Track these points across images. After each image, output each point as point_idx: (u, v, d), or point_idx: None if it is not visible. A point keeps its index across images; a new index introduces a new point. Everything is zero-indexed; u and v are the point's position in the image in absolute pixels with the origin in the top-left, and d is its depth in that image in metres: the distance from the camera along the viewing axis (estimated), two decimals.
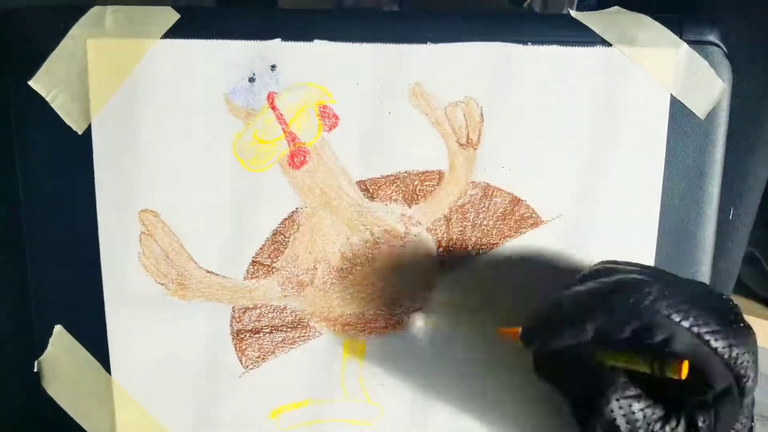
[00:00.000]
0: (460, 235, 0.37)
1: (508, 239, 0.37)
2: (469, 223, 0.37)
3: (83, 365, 0.37)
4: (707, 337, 0.24)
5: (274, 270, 0.37)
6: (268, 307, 0.37)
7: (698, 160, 0.36)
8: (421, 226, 0.37)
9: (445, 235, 0.37)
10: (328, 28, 0.34)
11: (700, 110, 0.35)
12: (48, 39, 0.34)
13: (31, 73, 0.34)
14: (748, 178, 0.37)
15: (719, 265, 0.39)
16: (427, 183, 0.36)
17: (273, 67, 0.34)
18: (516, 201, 0.36)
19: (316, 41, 0.34)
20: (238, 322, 0.37)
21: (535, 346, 0.29)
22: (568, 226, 0.37)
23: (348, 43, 0.34)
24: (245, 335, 0.37)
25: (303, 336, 0.38)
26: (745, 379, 0.25)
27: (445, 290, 0.37)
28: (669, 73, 0.35)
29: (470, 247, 0.37)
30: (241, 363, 0.38)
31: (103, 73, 0.34)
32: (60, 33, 0.34)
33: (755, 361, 0.25)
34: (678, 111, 0.35)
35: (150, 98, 0.35)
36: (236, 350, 0.38)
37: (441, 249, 0.37)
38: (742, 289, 0.57)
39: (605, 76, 0.35)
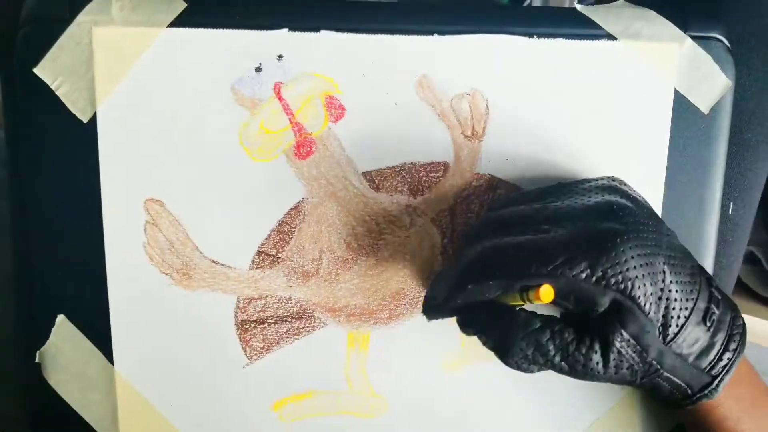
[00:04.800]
0: (465, 226, 0.37)
1: None
2: (474, 215, 0.37)
3: (86, 356, 0.37)
4: (568, 277, 0.26)
5: (279, 260, 0.37)
6: (273, 298, 0.37)
7: (701, 154, 0.36)
8: (426, 217, 0.37)
9: (449, 226, 0.37)
10: (335, 19, 0.34)
11: (704, 105, 0.36)
12: (53, 26, 0.34)
13: (36, 61, 0.34)
14: (747, 174, 0.37)
15: (721, 261, 0.39)
16: (432, 174, 0.36)
17: (280, 57, 0.35)
18: None
19: (323, 31, 0.34)
20: (242, 313, 0.37)
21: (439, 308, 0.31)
22: None
23: (355, 33, 0.34)
24: (250, 326, 0.37)
25: (308, 326, 0.38)
26: (632, 288, 0.26)
27: None
28: (673, 67, 0.35)
29: None
30: (245, 354, 0.38)
31: (108, 62, 0.34)
32: (66, 20, 0.34)
33: (649, 261, 0.26)
34: (681, 106, 0.36)
35: (156, 87, 0.35)
36: (240, 341, 0.37)
37: (445, 240, 0.37)
38: (742, 289, 0.57)
39: (610, 69, 0.35)
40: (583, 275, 0.26)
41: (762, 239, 0.53)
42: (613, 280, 0.26)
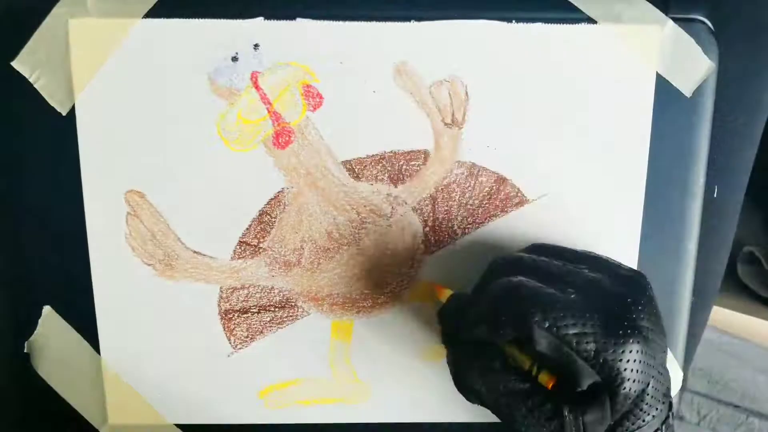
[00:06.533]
0: (446, 214, 0.37)
1: (493, 219, 0.37)
2: (455, 203, 0.37)
3: (73, 346, 0.38)
4: (569, 339, 0.26)
5: (261, 250, 0.37)
6: (256, 287, 0.37)
7: (684, 138, 0.36)
8: (407, 205, 0.37)
9: (431, 214, 0.37)
10: (311, 6, 0.34)
11: (686, 88, 0.35)
12: (30, 19, 0.34)
13: (14, 54, 0.34)
14: (732, 157, 0.37)
15: (707, 246, 0.39)
16: (412, 162, 0.36)
17: (256, 46, 0.34)
18: (501, 180, 0.36)
19: (298, 20, 0.34)
20: (226, 302, 0.37)
21: (446, 326, 0.32)
22: (554, 206, 0.37)
23: (331, 21, 0.34)
24: (233, 315, 0.38)
25: (291, 315, 0.38)
26: (617, 384, 0.26)
27: (431, 270, 0.37)
28: (654, 50, 0.35)
29: (456, 227, 0.37)
30: (230, 343, 0.38)
31: (85, 54, 0.34)
32: (42, 13, 0.34)
33: (644, 369, 0.26)
34: (664, 89, 0.35)
35: (133, 78, 0.35)
36: (225, 330, 0.38)
37: (427, 228, 0.37)
38: (742, 289, 0.57)
39: (590, 54, 0.35)
40: (585, 353, 0.26)
41: (762, 239, 0.53)
42: (607, 370, 0.26)
